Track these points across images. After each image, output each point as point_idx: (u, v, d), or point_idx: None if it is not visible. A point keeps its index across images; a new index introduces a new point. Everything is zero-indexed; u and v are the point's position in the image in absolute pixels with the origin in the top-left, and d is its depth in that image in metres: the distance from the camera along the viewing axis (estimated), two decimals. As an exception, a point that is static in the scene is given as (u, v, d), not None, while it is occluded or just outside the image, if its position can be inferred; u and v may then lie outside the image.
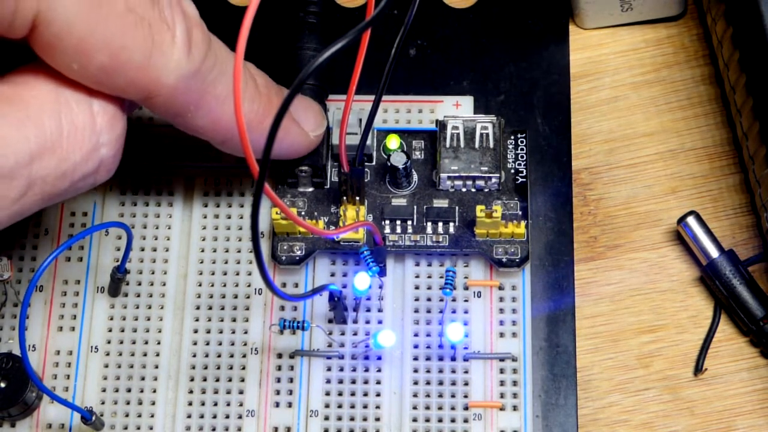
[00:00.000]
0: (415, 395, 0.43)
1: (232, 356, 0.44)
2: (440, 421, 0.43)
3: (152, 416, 0.44)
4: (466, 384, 0.43)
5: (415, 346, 0.44)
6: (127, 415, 0.44)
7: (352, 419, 0.43)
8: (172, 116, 0.37)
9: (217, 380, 0.44)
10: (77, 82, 0.34)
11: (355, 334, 0.44)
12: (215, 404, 0.44)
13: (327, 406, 0.43)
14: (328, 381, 0.44)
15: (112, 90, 0.35)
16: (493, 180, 0.44)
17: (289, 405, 0.44)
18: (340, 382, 0.44)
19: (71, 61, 0.33)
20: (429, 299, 0.45)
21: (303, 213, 0.45)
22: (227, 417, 0.43)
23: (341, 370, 0.44)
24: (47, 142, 0.33)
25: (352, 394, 0.44)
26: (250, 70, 0.40)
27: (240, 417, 0.43)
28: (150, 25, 0.34)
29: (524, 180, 0.45)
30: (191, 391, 0.44)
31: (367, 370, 0.44)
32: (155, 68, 0.35)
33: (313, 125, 0.42)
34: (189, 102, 0.37)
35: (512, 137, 0.45)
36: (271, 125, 0.31)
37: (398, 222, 0.45)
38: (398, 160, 0.44)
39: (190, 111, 0.37)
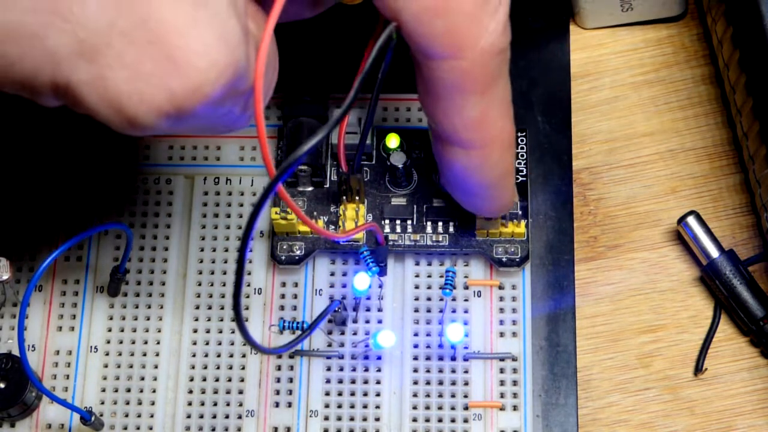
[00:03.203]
0: (415, 395, 0.43)
1: (231, 356, 0.44)
2: (440, 421, 0.43)
3: (152, 416, 0.43)
4: (466, 384, 0.43)
5: (415, 346, 0.44)
6: (126, 416, 0.44)
7: (351, 419, 0.43)
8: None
9: (217, 380, 0.44)
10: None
11: (355, 333, 0.44)
12: (215, 404, 0.44)
13: (327, 406, 0.43)
14: (328, 381, 0.44)
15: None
16: (493, 179, 0.44)
17: (289, 405, 0.43)
18: (340, 382, 0.44)
19: None
20: (429, 299, 0.45)
21: (302, 212, 0.45)
22: (227, 417, 0.43)
23: (341, 370, 0.44)
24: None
25: (352, 394, 0.43)
26: None
27: (240, 417, 0.43)
28: None
29: (524, 179, 0.45)
30: (191, 391, 0.44)
31: (367, 370, 0.44)
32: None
33: None
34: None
35: (512, 136, 0.45)
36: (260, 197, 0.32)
37: (398, 221, 0.44)
38: (398, 159, 0.44)
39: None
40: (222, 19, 0.31)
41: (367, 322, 0.44)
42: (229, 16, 0.31)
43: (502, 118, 0.38)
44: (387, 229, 0.44)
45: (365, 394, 0.43)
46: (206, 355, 0.44)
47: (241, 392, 0.44)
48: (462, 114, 0.37)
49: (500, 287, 0.45)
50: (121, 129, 0.32)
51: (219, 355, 0.44)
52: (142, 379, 0.44)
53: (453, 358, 0.44)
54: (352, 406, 0.43)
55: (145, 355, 0.44)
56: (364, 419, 0.43)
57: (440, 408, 0.43)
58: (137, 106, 0.31)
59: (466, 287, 0.44)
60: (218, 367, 0.44)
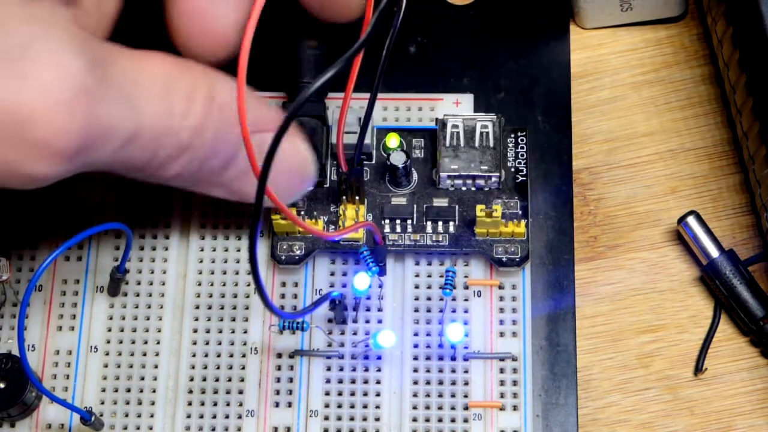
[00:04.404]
0: (415, 395, 0.43)
1: (231, 356, 0.44)
2: (440, 421, 0.43)
3: (152, 416, 0.43)
4: (466, 384, 0.43)
5: (415, 346, 0.44)
6: (126, 415, 0.44)
7: (352, 419, 0.43)
8: None
9: (217, 380, 0.44)
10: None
11: (355, 333, 0.44)
12: (215, 404, 0.44)
13: (327, 406, 0.43)
14: (328, 381, 0.44)
15: None
16: (493, 179, 0.44)
17: (289, 405, 0.43)
18: (340, 382, 0.44)
19: None
20: (429, 299, 0.45)
21: (302, 212, 0.45)
22: (227, 417, 0.43)
23: (341, 370, 0.44)
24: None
25: (352, 394, 0.43)
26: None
27: (240, 417, 0.43)
28: None
29: (524, 179, 0.45)
30: (191, 391, 0.44)
31: (367, 370, 0.44)
32: None
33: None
34: None
35: (512, 135, 0.45)
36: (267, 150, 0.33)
37: (398, 221, 0.44)
38: (398, 159, 0.44)
39: None
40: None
41: (367, 322, 0.44)
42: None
43: None
44: (387, 229, 0.44)
45: (365, 394, 0.43)
46: (206, 355, 0.44)
47: (241, 392, 0.44)
48: None
49: (500, 287, 0.45)
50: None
51: (219, 355, 0.44)
52: (142, 379, 0.44)
53: (453, 358, 0.44)
54: (352, 406, 0.43)
55: (145, 355, 0.44)
56: (364, 419, 0.43)
57: (440, 408, 0.43)
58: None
59: (466, 287, 0.44)
60: (218, 367, 0.44)
